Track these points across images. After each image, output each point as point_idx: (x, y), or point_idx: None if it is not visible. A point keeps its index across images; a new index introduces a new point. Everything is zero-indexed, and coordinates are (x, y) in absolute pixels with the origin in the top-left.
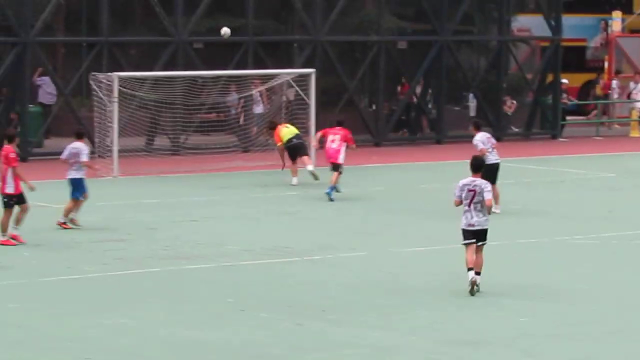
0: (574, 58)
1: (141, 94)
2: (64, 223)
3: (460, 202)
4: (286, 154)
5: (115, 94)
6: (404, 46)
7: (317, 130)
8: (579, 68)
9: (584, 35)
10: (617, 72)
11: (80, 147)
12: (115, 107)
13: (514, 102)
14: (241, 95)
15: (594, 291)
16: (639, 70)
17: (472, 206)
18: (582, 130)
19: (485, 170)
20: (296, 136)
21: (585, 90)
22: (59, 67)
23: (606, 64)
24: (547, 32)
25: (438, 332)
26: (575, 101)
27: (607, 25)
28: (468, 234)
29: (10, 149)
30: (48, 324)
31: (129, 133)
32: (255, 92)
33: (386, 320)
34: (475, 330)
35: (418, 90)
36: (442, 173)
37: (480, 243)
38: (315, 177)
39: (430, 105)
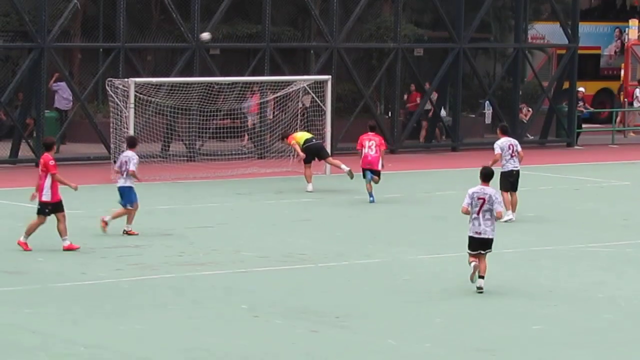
0: (589, 66)
1: (157, 99)
2: (111, 225)
3: (468, 210)
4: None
5: (132, 99)
6: (421, 53)
7: (332, 136)
8: (593, 76)
9: (598, 43)
10: None
11: (130, 155)
12: (131, 113)
13: (530, 109)
14: (247, 102)
15: (609, 299)
16: None
17: (480, 214)
18: (597, 138)
19: (503, 176)
20: (313, 138)
21: (599, 98)
22: (76, 72)
23: (622, 72)
24: (563, 40)
25: (453, 339)
26: (592, 109)
27: (621, 33)
28: (475, 243)
29: (48, 157)
30: (62, 330)
31: (144, 139)
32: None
33: (401, 327)
34: (490, 338)
35: (433, 97)
36: (458, 180)
37: (484, 252)
38: (351, 176)
39: (444, 113)
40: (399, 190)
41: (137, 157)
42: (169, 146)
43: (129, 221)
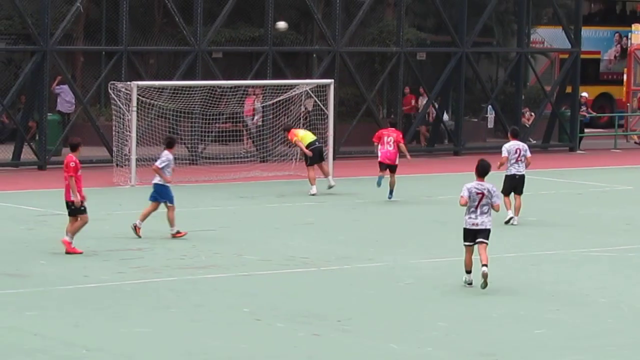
0: (588, 71)
1: (160, 103)
2: (178, 232)
3: (467, 202)
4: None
5: (134, 103)
6: (423, 57)
7: (335, 140)
8: (593, 80)
9: (598, 48)
10: None
11: (163, 154)
12: (133, 116)
13: (532, 114)
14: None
15: (611, 304)
16: None
17: (478, 209)
18: (600, 142)
19: (505, 179)
20: (316, 140)
21: (599, 102)
22: (78, 75)
23: (625, 77)
24: (564, 44)
25: (455, 343)
26: (594, 114)
27: (621, 38)
28: (469, 234)
29: (71, 158)
30: (65, 332)
31: (147, 142)
32: (257, 103)
33: (403, 331)
34: (492, 342)
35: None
36: (460, 184)
37: (481, 240)
38: (330, 187)
39: (447, 117)
40: (401, 194)
41: (170, 157)
42: None
43: (142, 217)
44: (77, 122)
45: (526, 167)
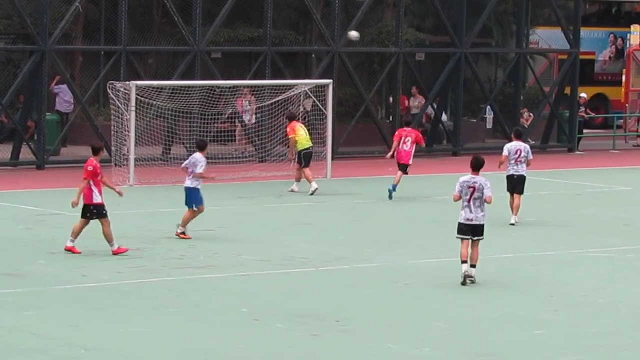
0: (583, 71)
1: (158, 102)
2: (183, 233)
3: (459, 197)
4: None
5: (133, 102)
6: (422, 58)
7: (333, 140)
8: (588, 81)
9: (593, 48)
10: None
11: (198, 158)
12: (132, 116)
13: (531, 114)
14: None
15: (610, 304)
16: None
17: (471, 202)
18: (598, 143)
19: (507, 180)
20: (310, 147)
21: (594, 103)
22: (77, 75)
23: (624, 78)
24: (562, 45)
25: (453, 344)
26: (593, 114)
27: (616, 38)
28: (465, 229)
29: (91, 162)
30: (63, 332)
31: (145, 142)
32: (245, 101)
33: (401, 331)
34: (491, 342)
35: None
36: None
37: (476, 238)
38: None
39: (445, 117)
40: (400, 194)
41: (205, 159)
42: (169, 149)
43: (183, 223)
44: (76, 122)
45: (526, 167)
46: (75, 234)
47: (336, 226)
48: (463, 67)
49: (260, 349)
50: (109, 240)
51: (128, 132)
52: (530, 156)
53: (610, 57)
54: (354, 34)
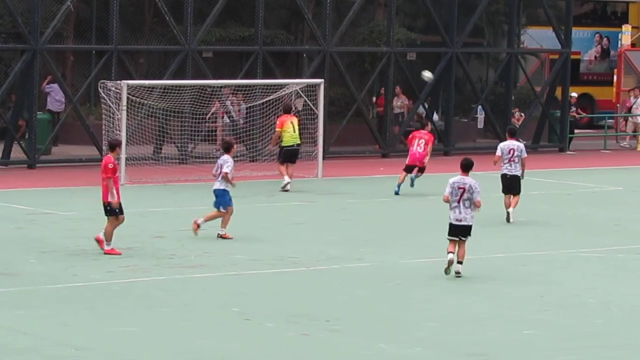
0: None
1: (150, 102)
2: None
3: (448, 199)
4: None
5: (124, 102)
6: (413, 57)
7: (324, 140)
8: (573, 81)
9: (578, 48)
10: None
11: (225, 159)
12: (123, 115)
13: (522, 114)
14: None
15: (600, 304)
16: None
17: (461, 203)
18: (589, 143)
19: (501, 180)
20: (295, 144)
21: (580, 103)
22: (68, 74)
23: (615, 78)
24: (554, 45)
25: (444, 344)
26: (584, 114)
27: (601, 38)
28: (455, 230)
29: (109, 159)
30: (54, 331)
31: (137, 141)
32: (228, 101)
33: (392, 331)
34: (482, 342)
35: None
36: None
37: (464, 238)
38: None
39: (437, 117)
40: (391, 194)
41: (232, 160)
42: (161, 149)
43: (223, 225)
44: (67, 121)
45: (522, 166)
46: (109, 236)
47: (327, 226)
48: (454, 67)
49: (251, 349)
50: (107, 239)
51: (119, 131)
52: (524, 155)
53: (595, 57)
54: (428, 75)
